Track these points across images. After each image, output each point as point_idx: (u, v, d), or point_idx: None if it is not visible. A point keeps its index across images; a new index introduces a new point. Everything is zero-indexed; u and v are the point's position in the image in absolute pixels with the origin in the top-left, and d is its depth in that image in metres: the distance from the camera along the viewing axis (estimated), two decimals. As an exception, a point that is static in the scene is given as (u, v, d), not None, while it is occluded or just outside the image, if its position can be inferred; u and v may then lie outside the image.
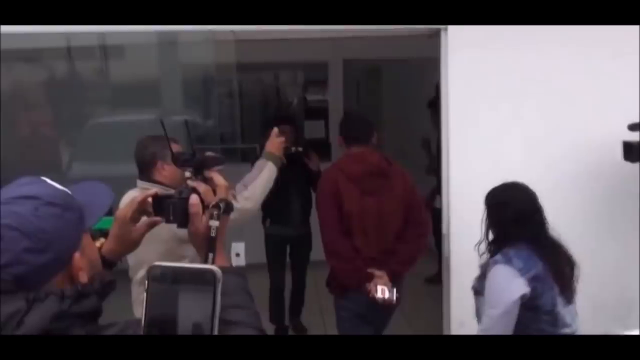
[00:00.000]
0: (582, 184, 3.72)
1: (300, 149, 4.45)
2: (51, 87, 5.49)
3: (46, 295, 1.08)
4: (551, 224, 2.68)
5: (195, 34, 3.98)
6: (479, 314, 2.72)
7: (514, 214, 2.64)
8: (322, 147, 6.16)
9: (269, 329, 4.86)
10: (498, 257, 2.61)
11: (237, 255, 3.69)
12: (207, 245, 1.40)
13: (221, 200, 1.45)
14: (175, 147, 2.09)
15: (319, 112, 7.53)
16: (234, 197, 2.64)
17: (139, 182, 2.77)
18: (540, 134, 3.69)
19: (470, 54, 3.61)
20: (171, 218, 1.48)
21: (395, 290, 3.30)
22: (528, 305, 2.54)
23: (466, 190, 3.52)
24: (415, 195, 3.55)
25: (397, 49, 5.24)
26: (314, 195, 4.28)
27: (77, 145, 5.66)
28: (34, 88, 5.48)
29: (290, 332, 5.13)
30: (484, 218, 2.74)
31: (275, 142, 2.97)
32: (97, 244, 1.52)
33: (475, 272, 2.78)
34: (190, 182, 1.53)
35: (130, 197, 1.86)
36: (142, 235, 1.62)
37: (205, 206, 1.44)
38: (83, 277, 1.17)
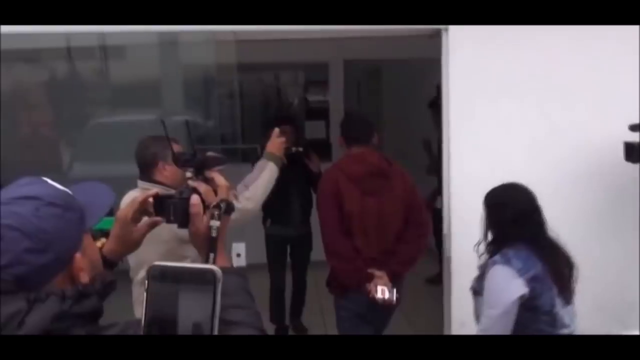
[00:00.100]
0: (583, 185, 3.72)
1: (300, 149, 4.45)
2: (52, 88, 5.49)
3: (47, 295, 1.08)
4: (552, 225, 2.68)
5: (196, 34, 3.98)
6: (477, 315, 2.72)
7: (513, 215, 2.64)
8: (322, 148, 6.17)
9: (270, 329, 4.86)
10: (497, 257, 2.61)
11: (238, 255, 3.69)
12: (208, 245, 1.40)
13: (222, 200, 1.45)
14: (176, 148, 2.09)
15: (320, 113, 7.54)
16: (235, 197, 2.64)
17: (140, 183, 2.77)
18: (541, 135, 3.69)
19: (471, 54, 3.61)
20: (172, 218, 1.48)
21: (395, 290, 3.30)
22: (527, 306, 2.54)
23: (467, 190, 3.52)
24: (416, 195, 3.55)
25: (397, 49, 5.24)
26: (314, 196, 4.28)
27: (78, 146, 5.66)
28: (34, 88, 5.48)
29: (291, 332, 5.13)
30: (483, 218, 2.74)
31: (276, 142, 2.97)
32: (98, 244, 1.52)
33: (476, 272, 2.79)
34: (191, 183, 1.53)
35: (131, 198, 1.85)
36: (143, 235, 1.63)
37: (206, 206, 1.44)
38: (84, 278, 1.17)
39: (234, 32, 3.79)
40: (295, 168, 4.22)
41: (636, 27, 3.45)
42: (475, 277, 2.77)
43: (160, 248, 2.36)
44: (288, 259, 5.08)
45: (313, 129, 7.30)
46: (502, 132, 3.68)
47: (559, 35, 3.52)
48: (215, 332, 1.01)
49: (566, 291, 2.61)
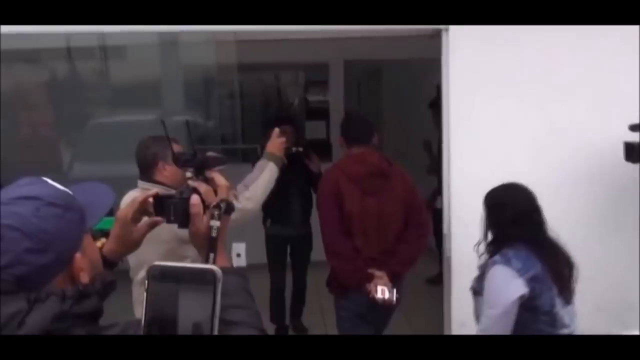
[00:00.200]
0: (583, 185, 3.72)
1: (300, 149, 4.45)
2: (52, 88, 5.50)
3: (47, 295, 1.08)
4: (552, 225, 2.68)
5: (196, 35, 3.98)
6: (477, 315, 2.72)
7: (512, 215, 2.64)
8: (323, 148, 6.17)
9: (270, 329, 4.86)
10: (497, 257, 2.61)
11: (238, 255, 3.69)
12: (208, 245, 1.40)
13: (222, 200, 1.45)
14: (176, 148, 2.09)
15: (320, 113, 7.54)
16: (235, 197, 2.64)
17: (140, 183, 2.77)
18: (541, 135, 3.69)
19: (471, 54, 3.61)
20: (172, 218, 1.48)
21: (395, 290, 3.30)
22: (527, 306, 2.54)
23: (467, 190, 3.52)
24: (416, 195, 3.55)
25: (398, 49, 5.24)
26: (314, 196, 4.28)
27: (78, 146, 5.67)
28: (34, 88, 5.49)
29: (291, 332, 5.13)
30: (483, 218, 2.74)
31: (276, 142, 2.97)
32: (98, 244, 1.52)
33: (476, 272, 2.79)
34: (191, 183, 1.53)
35: (131, 198, 1.85)
36: (143, 235, 1.62)
37: (206, 206, 1.44)
38: (84, 278, 1.17)
39: (234, 32, 3.79)
40: (295, 168, 4.22)
41: (636, 27, 3.45)
42: (475, 277, 2.77)
43: (160, 248, 2.36)
44: (288, 259, 5.08)
45: (313, 129, 7.30)
46: (502, 132, 3.68)
47: (559, 35, 3.52)
48: (215, 332, 1.01)
49: (566, 291, 2.60)
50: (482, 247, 2.75)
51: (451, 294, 3.76)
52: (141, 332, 1.02)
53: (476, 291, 2.73)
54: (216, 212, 1.42)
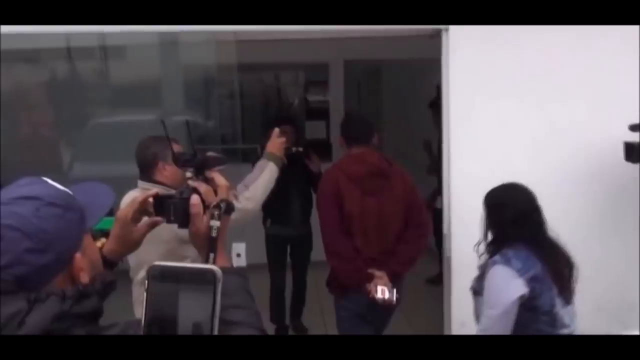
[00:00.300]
0: (583, 185, 3.72)
1: (300, 149, 4.45)
2: (52, 88, 5.50)
3: (47, 295, 1.08)
4: (552, 225, 2.68)
5: (196, 35, 3.98)
6: (477, 315, 2.72)
7: (512, 215, 2.64)
8: (323, 148, 6.17)
9: (270, 329, 4.86)
10: (497, 257, 2.61)
11: (238, 255, 3.70)
12: (208, 245, 1.40)
13: (222, 200, 1.45)
14: (176, 148, 2.09)
15: (320, 113, 7.54)
16: (235, 197, 2.64)
17: (140, 183, 2.77)
18: (542, 135, 3.69)
19: (472, 54, 3.61)
20: (172, 218, 1.48)
21: (395, 290, 3.30)
22: (527, 306, 2.54)
23: (467, 190, 3.52)
24: (416, 196, 3.56)
25: (398, 49, 5.24)
26: (314, 196, 4.28)
27: (78, 146, 5.67)
28: (34, 88, 5.49)
29: (291, 332, 5.13)
30: (483, 218, 2.74)
31: (276, 142, 2.97)
32: (98, 244, 1.52)
33: (476, 272, 2.79)
34: (191, 183, 1.53)
35: (131, 198, 1.85)
36: (143, 235, 1.62)
37: (206, 206, 1.44)
38: (84, 278, 1.17)
39: (234, 32, 3.79)
40: (295, 168, 4.22)
41: (636, 27, 3.45)
42: (475, 277, 2.77)
43: (160, 248, 2.36)
44: (288, 259, 5.08)
45: (313, 129, 7.30)
46: (502, 132, 3.68)
47: (559, 35, 3.52)
48: (215, 332, 1.01)
49: (566, 291, 2.60)
50: (482, 247, 2.75)
51: (451, 294, 3.76)
52: (141, 332, 1.02)
53: (476, 291, 2.73)
54: (216, 212, 1.42)
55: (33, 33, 3.33)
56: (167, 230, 1.77)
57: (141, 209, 1.60)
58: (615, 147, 3.39)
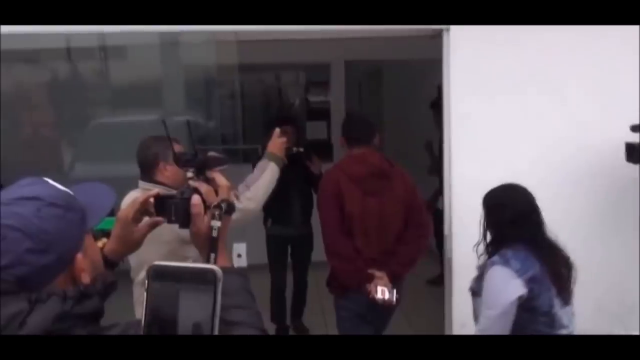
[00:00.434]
0: (584, 186, 3.72)
1: (301, 149, 4.45)
2: (53, 88, 5.50)
3: (48, 296, 1.08)
4: (552, 226, 2.68)
5: (197, 35, 3.98)
6: (476, 315, 2.72)
7: (511, 215, 2.63)
8: (324, 148, 6.17)
9: (271, 329, 4.86)
10: (495, 258, 2.60)
11: (239, 256, 3.70)
12: (209, 245, 1.41)
13: (223, 200, 1.45)
14: (177, 148, 2.09)
15: (321, 113, 7.54)
16: (236, 197, 2.64)
17: (141, 183, 2.77)
18: (542, 135, 3.69)
19: (472, 54, 3.61)
20: (173, 218, 1.49)
21: (395, 291, 3.30)
22: (525, 307, 2.53)
23: (468, 191, 3.51)
24: (416, 196, 3.55)
25: (399, 50, 5.24)
26: (315, 196, 4.28)
27: (79, 146, 5.67)
28: (35, 89, 5.49)
29: (292, 332, 5.13)
30: (482, 219, 2.74)
31: (277, 142, 2.97)
32: (99, 244, 1.52)
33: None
34: (192, 183, 1.53)
35: (132, 198, 1.85)
36: (144, 235, 1.62)
37: (207, 207, 1.44)
38: (85, 278, 1.17)
39: (235, 33, 3.79)
40: (296, 168, 4.22)
41: (636, 27, 3.45)
42: (473, 277, 2.77)
43: (161, 248, 2.36)
44: (289, 259, 5.08)
45: (314, 130, 7.30)
46: (504, 132, 3.68)
47: (559, 35, 3.52)
48: (216, 332, 1.01)
49: (565, 292, 2.60)
50: (481, 248, 2.75)
51: (452, 295, 3.76)
52: (142, 332, 1.02)
53: (475, 292, 2.73)
54: (217, 212, 1.42)
55: (33, 33, 3.33)
56: (168, 231, 1.77)
57: (142, 209, 1.60)
58: (616, 148, 3.39)
